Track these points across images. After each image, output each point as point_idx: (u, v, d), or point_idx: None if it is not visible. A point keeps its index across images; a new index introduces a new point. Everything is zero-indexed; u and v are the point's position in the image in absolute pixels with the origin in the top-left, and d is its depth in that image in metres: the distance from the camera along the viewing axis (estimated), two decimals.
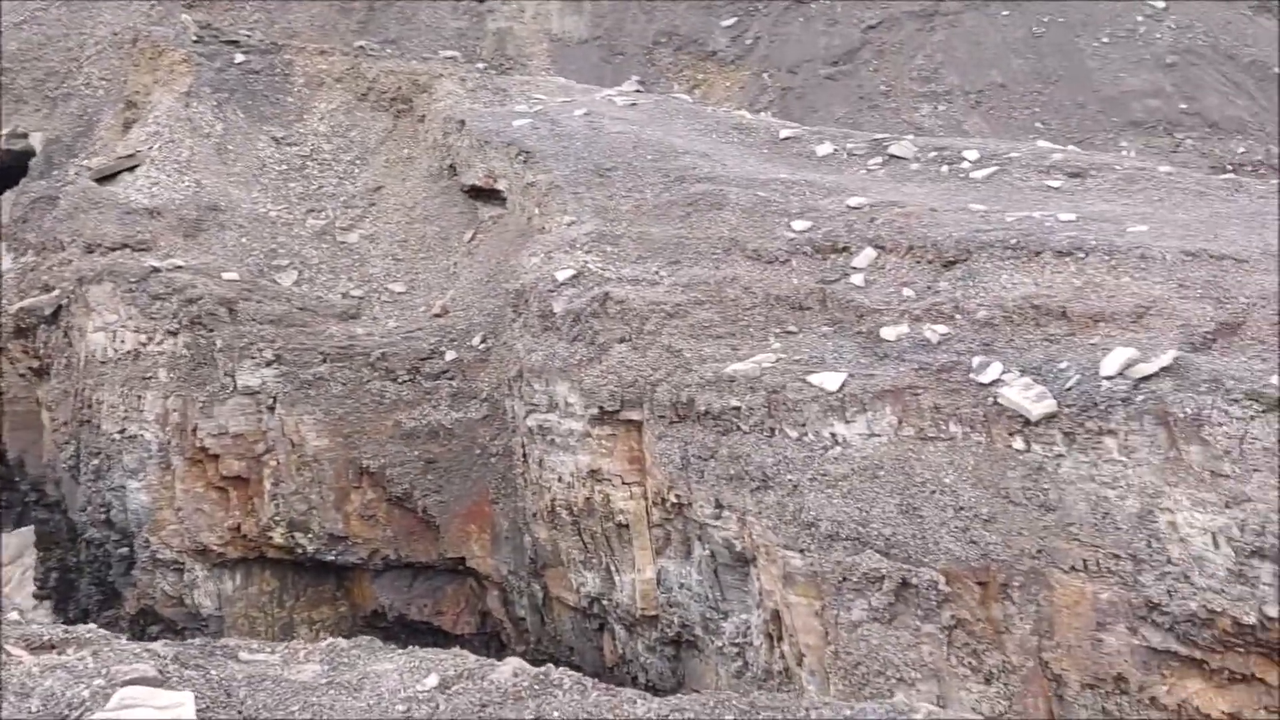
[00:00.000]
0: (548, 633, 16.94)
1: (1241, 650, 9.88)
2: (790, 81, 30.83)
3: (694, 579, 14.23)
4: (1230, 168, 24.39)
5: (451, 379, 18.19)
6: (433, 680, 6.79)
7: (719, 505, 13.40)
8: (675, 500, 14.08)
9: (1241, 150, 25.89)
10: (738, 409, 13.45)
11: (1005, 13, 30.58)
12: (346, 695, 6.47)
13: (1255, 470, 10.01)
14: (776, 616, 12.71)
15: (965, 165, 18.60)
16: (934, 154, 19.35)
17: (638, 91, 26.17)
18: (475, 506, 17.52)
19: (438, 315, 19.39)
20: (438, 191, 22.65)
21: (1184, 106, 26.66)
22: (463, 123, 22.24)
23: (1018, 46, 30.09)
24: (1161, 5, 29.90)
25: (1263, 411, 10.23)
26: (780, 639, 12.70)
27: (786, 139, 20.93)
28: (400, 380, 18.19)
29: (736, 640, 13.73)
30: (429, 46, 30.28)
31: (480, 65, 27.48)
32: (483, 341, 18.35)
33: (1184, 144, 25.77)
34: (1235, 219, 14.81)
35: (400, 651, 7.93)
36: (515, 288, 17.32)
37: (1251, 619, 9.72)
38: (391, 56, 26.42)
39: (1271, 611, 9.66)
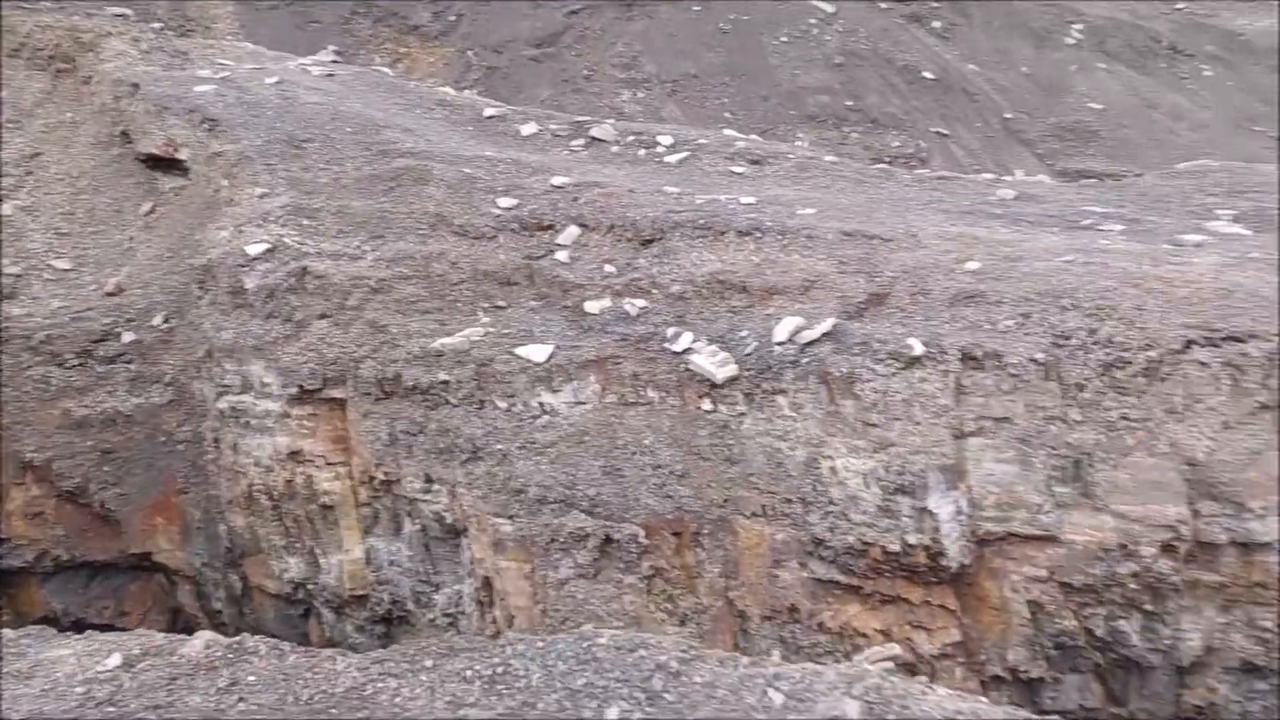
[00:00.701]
0: (248, 623, 16.23)
1: (889, 575, 11.38)
2: (496, 61, 31.04)
3: (404, 555, 14.22)
4: (887, 160, 27.39)
5: (130, 362, 16.87)
6: (115, 660, 6.45)
7: (429, 480, 13.49)
8: (384, 478, 14.00)
9: (897, 144, 29.13)
10: (446, 383, 13.57)
11: (696, 8, 32.41)
12: (18, 684, 6.01)
13: (896, 419, 11.52)
14: (488, 583, 13.01)
15: (661, 150, 19.66)
16: (632, 138, 20.29)
17: (335, 62, 25.28)
18: (161, 498, 16.41)
19: (111, 294, 17.86)
20: (108, 160, 20.79)
21: (850, 103, 29.60)
22: (137, 86, 20.54)
23: (709, 41, 32.03)
24: (831, 9, 32.92)
25: (902, 369, 11.78)
26: (491, 605, 13.03)
27: (491, 117, 21.11)
28: (68, 365, 16.65)
29: (449, 610, 13.90)
30: (94, 1, 27.59)
31: (156, 25, 25.43)
32: (165, 321, 17.15)
33: (850, 137, 28.65)
34: (885, 204, 16.77)
35: (78, 637, 7.43)
36: (201, 263, 16.35)
37: (896, 547, 11.22)
38: (50, 10, 23.84)
39: (911, 540, 11.20)
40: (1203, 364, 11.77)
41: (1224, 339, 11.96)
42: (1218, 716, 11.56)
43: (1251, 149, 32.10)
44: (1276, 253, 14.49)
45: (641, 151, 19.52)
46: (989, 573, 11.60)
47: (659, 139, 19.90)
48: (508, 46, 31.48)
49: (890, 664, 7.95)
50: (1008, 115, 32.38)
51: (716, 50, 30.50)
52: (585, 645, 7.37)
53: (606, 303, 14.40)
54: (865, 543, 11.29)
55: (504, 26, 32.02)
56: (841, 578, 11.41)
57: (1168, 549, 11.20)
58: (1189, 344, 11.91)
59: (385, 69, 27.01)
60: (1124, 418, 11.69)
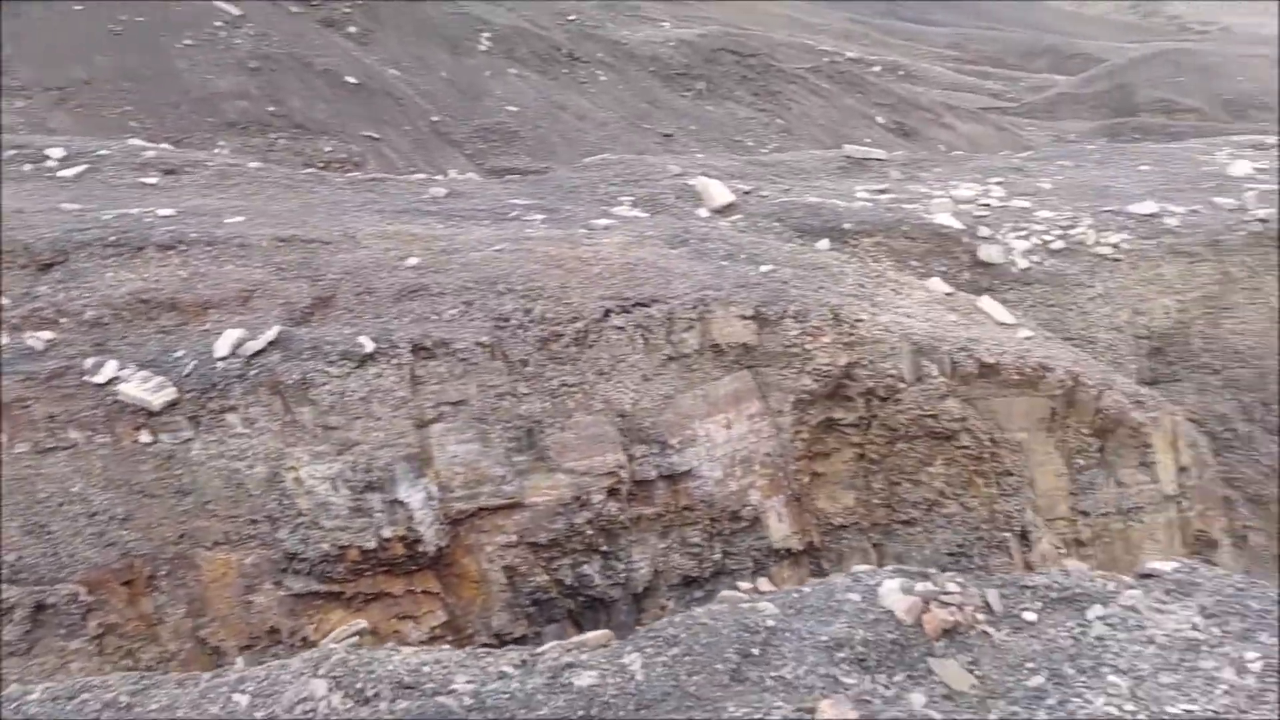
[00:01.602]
0: None
1: (370, 574, 11.38)
2: None
3: None
4: (320, 165, 27.04)
5: None
6: None
7: None
8: None
9: (329, 149, 28.84)
10: None
11: (78, 7, 29.05)
12: None
13: (357, 418, 11.52)
14: None
15: (51, 164, 17.47)
16: (14, 152, 17.75)
17: None
18: None
19: None
20: None
21: (271, 108, 28.64)
22: None
23: (100, 44, 28.90)
24: (237, 11, 31.51)
25: (356, 367, 11.79)
26: None
27: None
28: None
29: None
30: None
31: None
32: None
33: (278, 143, 27.75)
34: (320, 207, 16.59)
35: None
36: None
37: (373, 544, 11.25)
38: None
39: (387, 534, 11.31)
40: (620, 328, 13.37)
41: (633, 305, 13.71)
42: None
43: (643, 144, 36.99)
44: (667, 231, 17.01)
45: (27, 167, 17.17)
46: (465, 549, 12.10)
47: (48, 152, 17.67)
48: None
49: (356, 639, 7.98)
50: (435, 118, 33.69)
51: (109, 54, 27.64)
52: (14, 706, 6.38)
53: (4, 339, 12.45)
54: (341, 546, 11.15)
55: None
56: (321, 587, 11.16)
57: (613, 493, 12.60)
58: (607, 313, 13.45)
59: None
60: (564, 384, 12.87)
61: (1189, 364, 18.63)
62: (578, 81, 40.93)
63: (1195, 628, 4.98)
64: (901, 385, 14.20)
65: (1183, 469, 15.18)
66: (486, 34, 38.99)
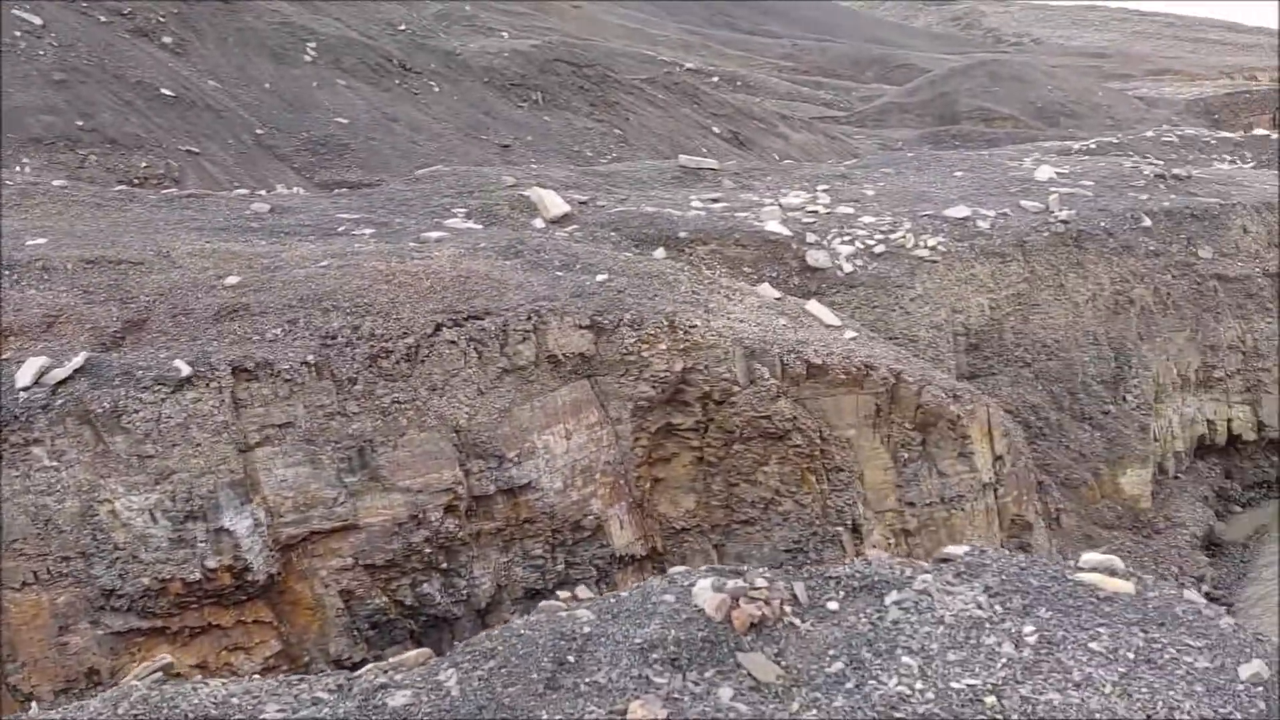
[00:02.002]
0: None
1: (196, 606, 10.86)
2: None
3: None
4: (136, 181, 25.63)
5: None
6: None
7: None
8: None
9: (145, 165, 27.35)
10: None
11: None
12: None
13: (175, 445, 10.99)
14: None
15: None
16: None
17: None
18: None
19: None
20: None
21: (81, 123, 26.96)
22: None
23: None
24: (38, 21, 29.56)
25: (172, 393, 11.25)
26: None
27: None
28: None
29: None
30: None
31: None
32: None
33: (88, 160, 26.16)
34: (131, 226, 15.77)
35: None
36: None
37: (197, 576, 10.75)
38: None
39: (212, 564, 10.83)
40: (452, 342, 13.24)
41: (466, 318, 13.60)
42: None
43: (480, 155, 36.67)
44: (501, 242, 16.87)
45: None
46: (298, 575, 11.72)
47: None
48: None
49: (161, 674, 7.60)
50: (259, 131, 32.41)
51: None
52: None
53: None
54: (163, 580, 10.61)
55: None
56: (143, 623, 10.58)
57: (450, 509, 12.45)
58: (439, 327, 13.30)
59: None
60: (395, 401, 12.64)
61: (1003, 358, 19.86)
62: (411, 93, 40.20)
63: (980, 606, 5.34)
64: (736, 388, 14.59)
65: (998, 458, 16.15)
66: (312, 44, 37.82)
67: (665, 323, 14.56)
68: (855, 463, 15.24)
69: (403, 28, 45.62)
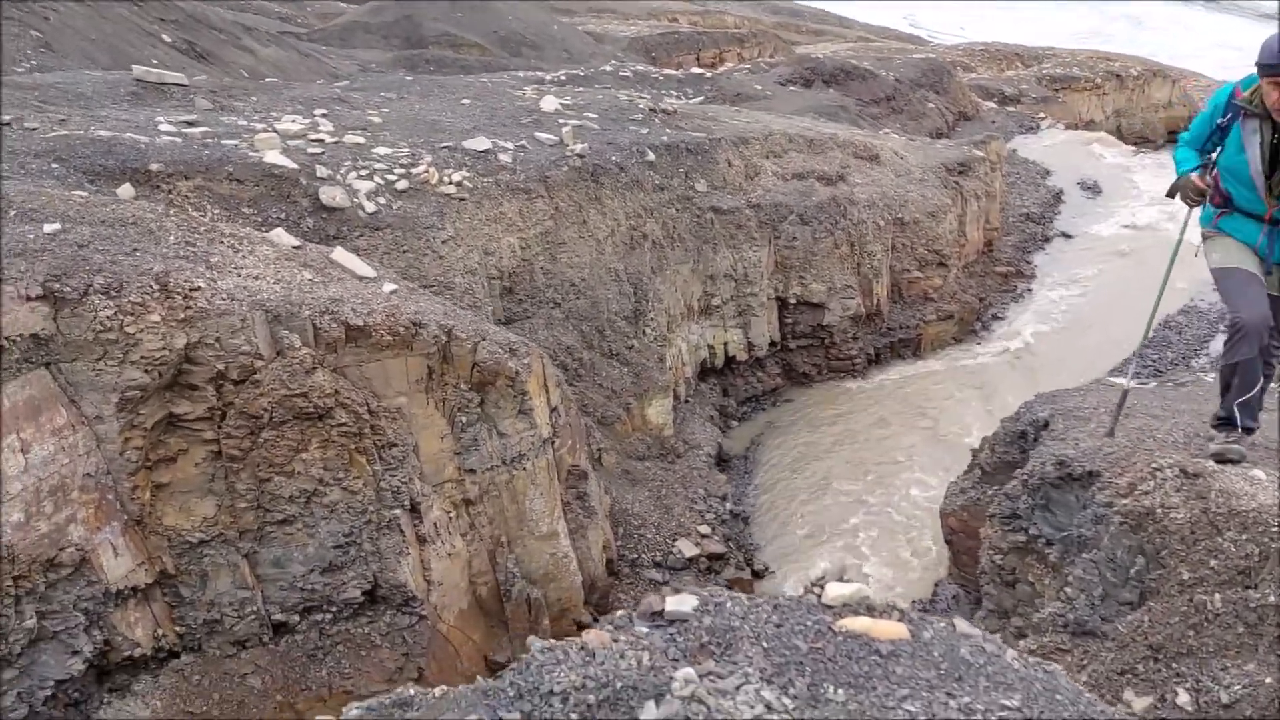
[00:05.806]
0: None
1: None
2: None
3: None
4: None
5: None
6: None
7: None
8: None
9: None
10: None
11: None
12: None
13: None
14: None
15: None
16: None
17: None
18: None
19: None
20: None
21: None
22: None
23: None
24: None
25: None
26: None
27: None
28: None
29: None
30: None
31: None
32: None
33: None
34: None
35: None
36: None
37: None
38: None
39: None
40: None
41: None
42: None
43: None
44: None
45: None
46: None
47: None
48: None
49: None
50: None
51: None
52: None
53: None
54: None
55: None
56: None
57: None
58: None
59: None
60: None
61: (536, 300, 18.87)
62: None
63: (770, 707, 3.70)
64: (259, 363, 11.71)
65: (554, 409, 15.13)
66: None
67: (155, 286, 11.18)
68: (409, 434, 13.22)
69: None
